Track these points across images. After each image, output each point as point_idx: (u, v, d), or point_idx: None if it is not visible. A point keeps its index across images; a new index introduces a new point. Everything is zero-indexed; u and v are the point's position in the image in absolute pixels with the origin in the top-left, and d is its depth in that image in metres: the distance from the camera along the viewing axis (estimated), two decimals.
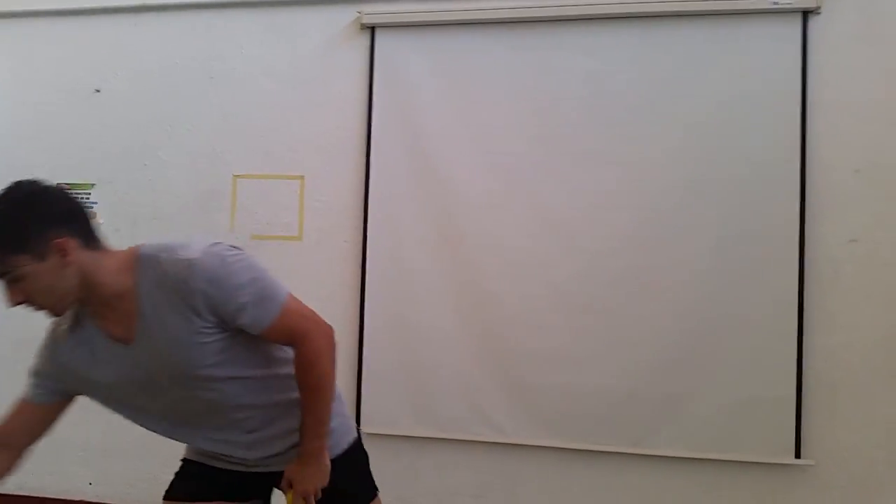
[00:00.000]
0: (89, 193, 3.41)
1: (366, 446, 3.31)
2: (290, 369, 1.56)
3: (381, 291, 3.10)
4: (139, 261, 1.43)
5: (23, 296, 1.34)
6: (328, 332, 1.55)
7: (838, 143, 2.84)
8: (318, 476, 1.59)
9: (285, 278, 3.38)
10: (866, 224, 2.82)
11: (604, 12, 2.97)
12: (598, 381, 2.92)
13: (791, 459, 2.79)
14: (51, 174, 3.36)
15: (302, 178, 3.24)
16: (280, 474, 1.63)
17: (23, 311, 1.37)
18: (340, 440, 1.71)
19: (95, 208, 3.40)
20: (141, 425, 1.59)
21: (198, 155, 3.34)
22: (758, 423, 2.81)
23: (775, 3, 2.83)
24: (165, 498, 1.72)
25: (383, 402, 3.07)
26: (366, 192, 3.13)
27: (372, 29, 3.16)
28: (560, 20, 3.01)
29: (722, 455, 2.84)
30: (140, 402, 1.53)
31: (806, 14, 2.84)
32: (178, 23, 3.38)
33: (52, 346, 1.53)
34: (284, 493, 1.62)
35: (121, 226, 3.37)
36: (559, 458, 2.97)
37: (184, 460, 1.76)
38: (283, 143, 3.28)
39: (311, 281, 3.19)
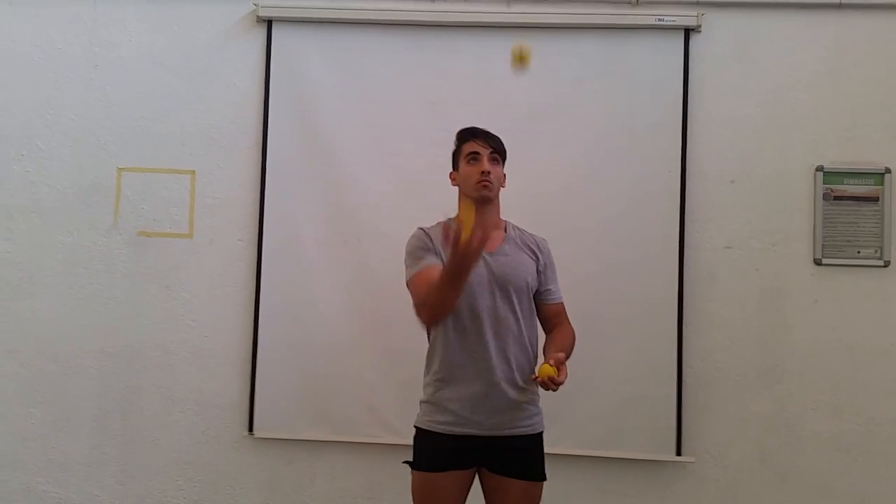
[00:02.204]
0: None
1: (260, 452, 3.27)
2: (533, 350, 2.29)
3: (277, 292, 3.04)
4: (508, 223, 2.35)
5: (494, 174, 2.27)
6: None
7: (716, 155, 3.02)
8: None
9: (175, 277, 3.27)
10: (740, 232, 3.01)
11: (497, 20, 3.04)
12: None
13: (672, 456, 2.92)
14: None
15: (193, 172, 3.14)
16: (502, 449, 2.17)
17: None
18: (541, 423, 2.27)
19: None
20: (468, 322, 2.20)
21: (80, 145, 3.16)
22: (642, 420, 2.93)
23: (660, 20, 2.98)
24: (422, 469, 2.25)
25: (278, 406, 3.02)
26: (262, 190, 3.06)
27: (269, 22, 3.10)
28: (456, 26, 3.06)
29: (608, 452, 2.95)
30: (472, 294, 2.17)
31: (688, 32, 3.00)
32: (59, 6, 3.18)
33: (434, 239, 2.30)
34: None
35: None
36: None
37: (420, 431, 2.32)
38: (173, 136, 3.16)
39: (202, 280, 3.11)
